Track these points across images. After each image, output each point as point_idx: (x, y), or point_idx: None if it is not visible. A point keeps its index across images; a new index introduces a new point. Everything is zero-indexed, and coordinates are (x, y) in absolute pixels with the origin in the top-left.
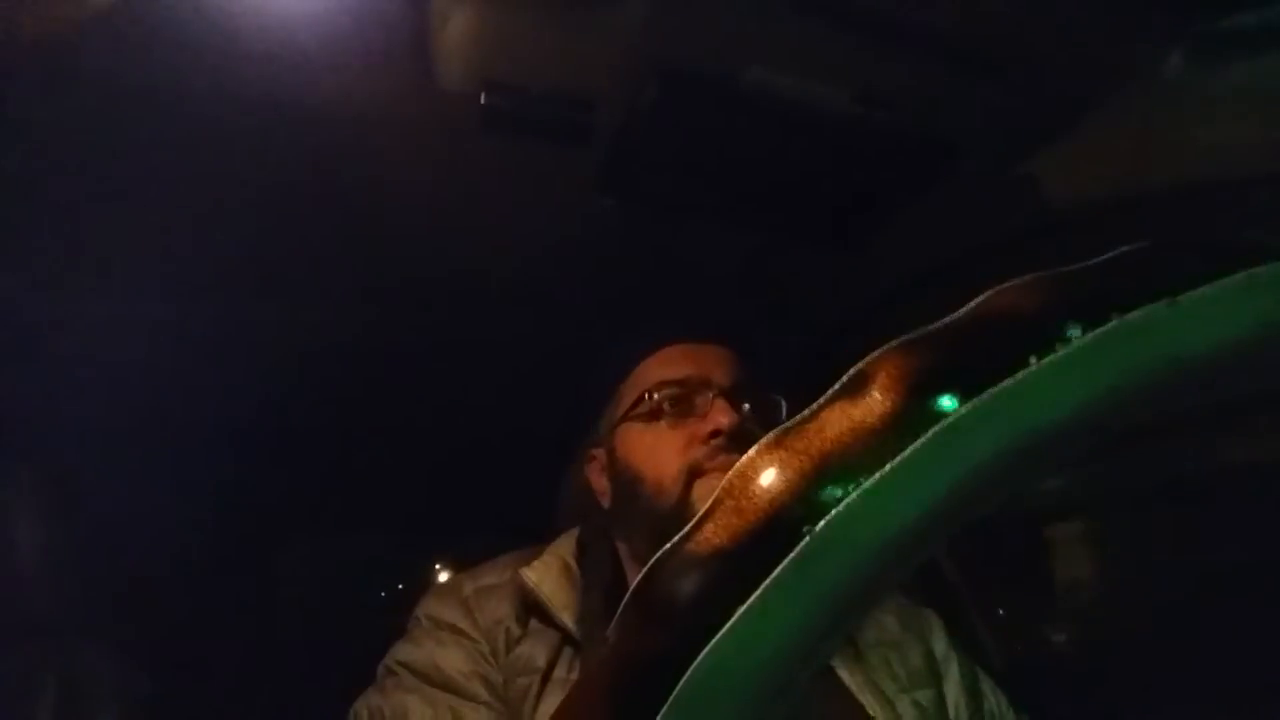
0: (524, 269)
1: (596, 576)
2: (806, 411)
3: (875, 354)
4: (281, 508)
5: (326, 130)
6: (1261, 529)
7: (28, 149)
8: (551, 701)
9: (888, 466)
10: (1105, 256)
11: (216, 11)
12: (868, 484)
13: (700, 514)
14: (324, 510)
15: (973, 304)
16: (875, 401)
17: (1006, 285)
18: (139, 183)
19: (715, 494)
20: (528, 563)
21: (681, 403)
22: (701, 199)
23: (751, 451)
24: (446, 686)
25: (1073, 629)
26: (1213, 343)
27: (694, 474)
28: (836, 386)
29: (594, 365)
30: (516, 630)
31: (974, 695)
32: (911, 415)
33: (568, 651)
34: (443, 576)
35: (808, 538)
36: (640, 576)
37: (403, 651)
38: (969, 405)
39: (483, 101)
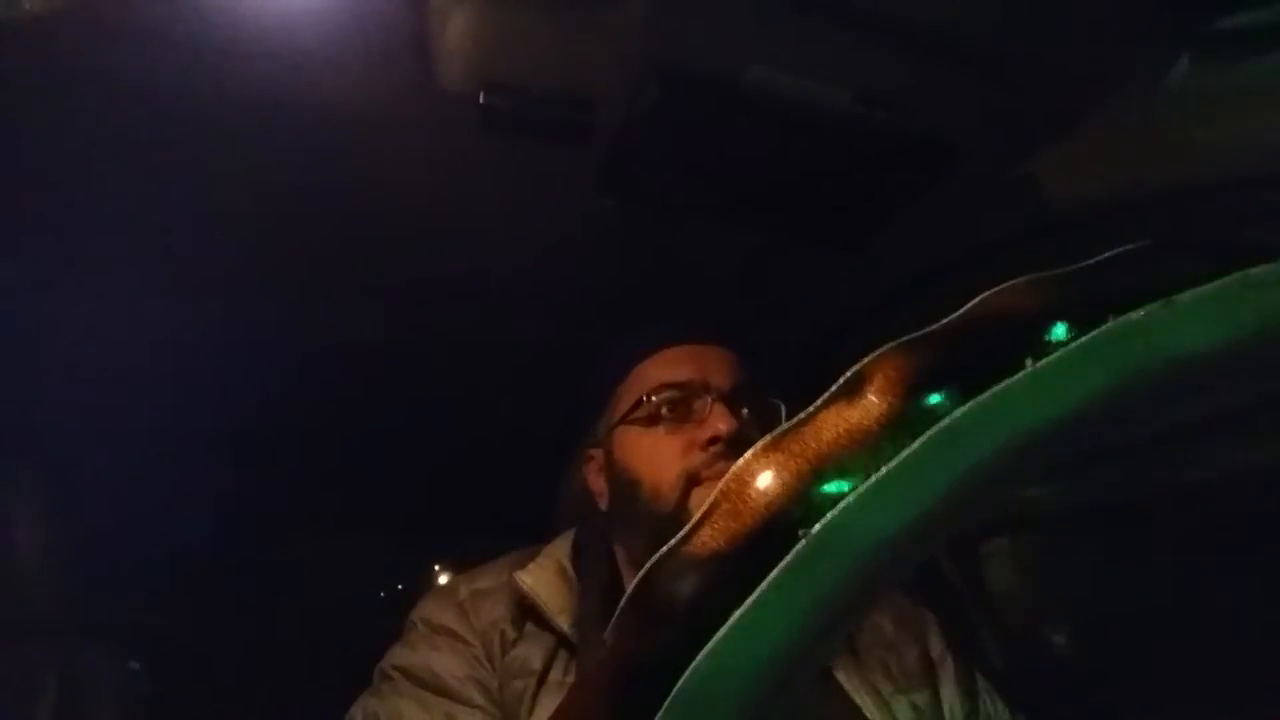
0: (524, 269)
1: (593, 579)
2: (803, 414)
3: (871, 356)
4: (281, 508)
5: (326, 130)
6: (1262, 531)
7: (27, 148)
8: (547, 704)
9: (884, 469)
10: (1101, 257)
11: (216, 11)
12: (864, 486)
13: (698, 517)
14: (324, 510)
15: (969, 305)
16: (872, 404)
17: (1002, 286)
18: (139, 182)
19: (712, 497)
20: (523, 565)
21: (680, 407)
22: (701, 199)
23: (748, 454)
24: (441, 691)
25: (1072, 630)
26: (1210, 343)
27: (692, 482)
28: (833, 389)
29: (593, 365)
30: (512, 633)
31: (970, 697)
32: (908, 417)
33: (563, 654)
34: (443, 578)
35: (804, 540)
36: (638, 579)
37: (398, 656)
38: (965, 407)
39: (482, 101)
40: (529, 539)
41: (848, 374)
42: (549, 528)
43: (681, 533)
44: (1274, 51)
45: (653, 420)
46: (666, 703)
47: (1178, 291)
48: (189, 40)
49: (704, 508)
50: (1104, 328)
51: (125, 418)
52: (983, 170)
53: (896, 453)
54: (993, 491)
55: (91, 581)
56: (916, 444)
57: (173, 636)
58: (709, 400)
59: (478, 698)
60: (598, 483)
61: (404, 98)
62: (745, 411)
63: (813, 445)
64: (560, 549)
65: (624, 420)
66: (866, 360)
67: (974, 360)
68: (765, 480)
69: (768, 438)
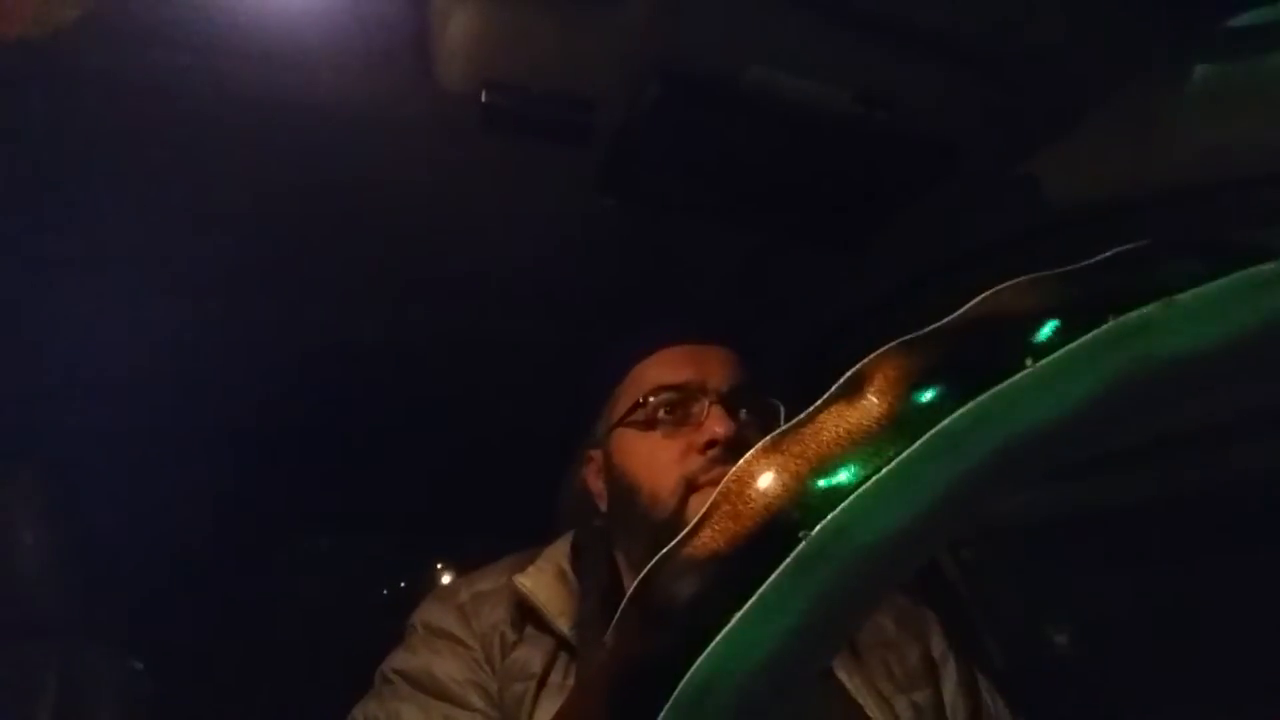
0: (524, 269)
1: (593, 581)
2: (803, 415)
3: (871, 356)
4: (281, 508)
5: (327, 130)
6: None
7: (28, 149)
8: (547, 707)
9: (884, 470)
10: (1101, 256)
11: (217, 11)
12: (864, 488)
13: (698, 518)
14: (325, 511)
15: (968, 305)
16: (871, 404)
17: (1002, 286)
18: (139, 182)
19: (713, 498)
20: (523, 568)
21: (677, 409)
22: (702, 199)
23: (749, 455)
24: (441, 695)
25: (1072, 630)
26: (1210, 343)
27: (690, 488)
28: (833, 389)
29: (592, 365)
30: (512, 636)
31: (972, 696)
32: (908, 418)
33: (563, 657)
34: (445, 578)
35: (804, 542)
36: (638, 580)
37: (398, 659)
38: (965, 408)
39: (483, 101)
40: (530, 539)
41: (847, 374)
42: (550, 528)
43: (682, 534)
44: (1275, 51)
45: (650, 423)
46: (667, 705)
47: (1178, 291)
48: (189, 40)
49: (704, 509)
50: (1104, 328)
51: (125, 418)
52: (983, 170)
53: (897, 454)
54: (993, 493)
55: (91, 581)
56: (916, 445)
57: (173, 636)
58: (706, 403)
59: (477, 701)
60: (597, 484)
61: (404, 97)
62: (744, 413)
63: (813, 446)
64: (560, 551)
65: (622, 423)
66: (866, 360)
67: (974, 361)
68: (765, 481)
69: (768, 439)
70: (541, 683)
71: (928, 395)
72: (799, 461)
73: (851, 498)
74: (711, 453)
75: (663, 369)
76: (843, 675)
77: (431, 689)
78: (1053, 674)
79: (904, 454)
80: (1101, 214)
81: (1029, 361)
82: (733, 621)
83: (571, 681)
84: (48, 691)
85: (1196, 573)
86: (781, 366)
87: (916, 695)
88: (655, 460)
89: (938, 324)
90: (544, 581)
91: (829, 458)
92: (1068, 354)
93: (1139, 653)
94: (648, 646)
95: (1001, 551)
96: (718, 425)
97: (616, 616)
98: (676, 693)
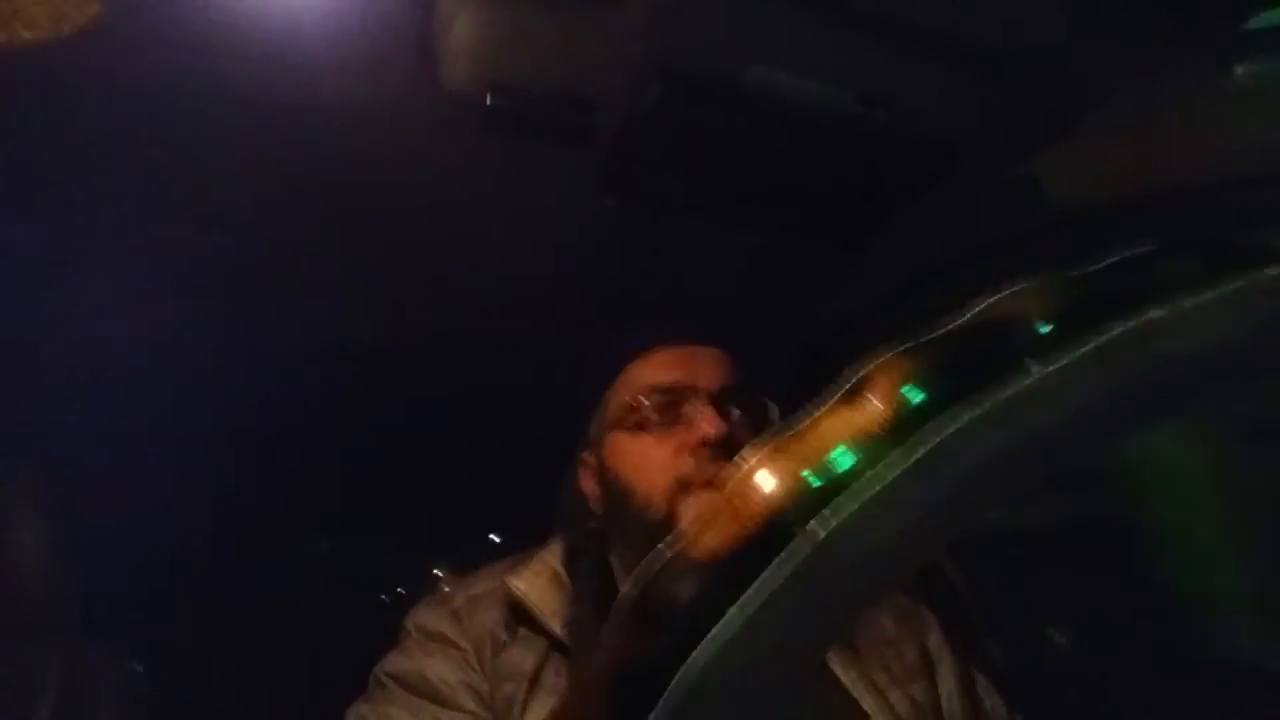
0: (525, 269)
1: (587, 583)
2: (805, 418)
3: (874, 361)
4: (281, 508)
5: (329, 131)
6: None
7: (28, 149)
8: (538, 708)
9: (886, 474)
10: (1103, 260)
11: (218, 12)
12: (865, 492)
13: (698, 519)
14: (324, 511)
15: (970, 310)
16: (874, 409)
17: (1005, 291)
18: (139, 182)
19: (713, 499)
20: (516, 570)
21: (668, 410)
22: (702, 199)
23: (751, 457)
24: (433, 697)
25: (1073, 630)
26: (1212, 347)
27: (682, 489)
28: (835, 393)
29: (584, 366)
30: (504, 637)
31: (969, 693)
32: (910, 422)
33: (555, 657)
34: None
35: (804, 544)
36: (635, 581)
37: (392, 662)
38: (967, 412)
39: (486, 102)
40: (531, 540)
41: (850, 378)
42: (549, 529)
43: (680, 535)
44: (1274, 52)
45: (641, 425)
46: (663, 701)
47: (1181, 295)
48: (190, 41)
49: (705, 510)
50: (1106, 332)
51: (125, 418)
52: (983, 170)
53: (898, 458)
54: (995, 496)
55: (91, 581)
56: (918, 450)
57: (173, 637)
58: (697, 403)
59: (469, 703)
60: (591, 487)
61: (406, 98)
62: (735, 411)
63: (814, 449)
64: (554, 553)
65: (614, 425)
66: (869, 365)
67: (976, 365)
68: (766, 484)
69: (770, 441)
70: (533, 682)
71: (930, 400)
72: (801, 464)
73: (852, 501)
74: (703, 452)
75: (652, 370)
76: (839, 670)
77: (423, 691)
78: (1053, 674)
79: (906, 459)
80: (1101, 214)
81: (1030, 366)
82: (728, 622)
83: (564, 681)
84: (48, 691)
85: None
86: (781, 366)
87: (913, 689)
88: (647, 462)
89: (940, 329)
90: (537, 583)
91: (831, 461)
92: (1069, 360)
93: (1139, 653)
94: (645, 646)
95: (1002, 552)
96: (708, 425)
97: (612, 616)
98: (670, 691)
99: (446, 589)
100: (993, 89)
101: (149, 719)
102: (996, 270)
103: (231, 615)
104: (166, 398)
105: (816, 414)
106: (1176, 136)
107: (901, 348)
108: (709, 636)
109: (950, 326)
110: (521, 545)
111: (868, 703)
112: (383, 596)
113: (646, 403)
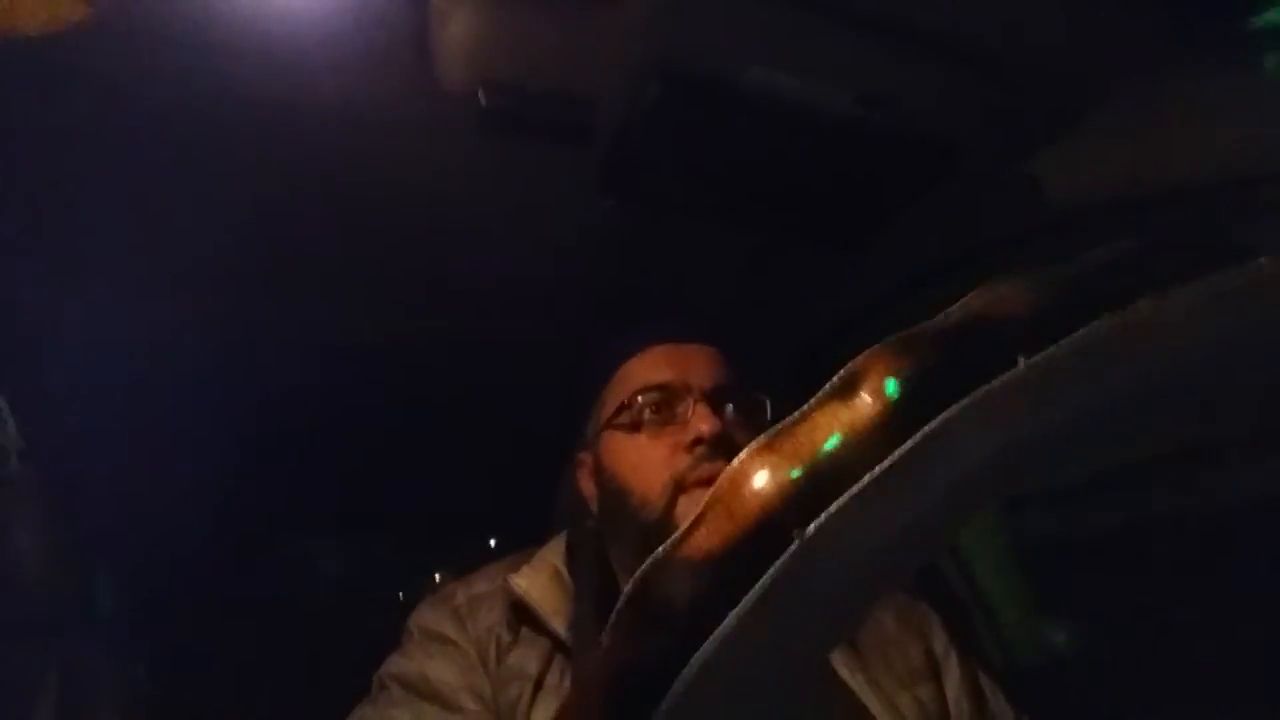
0: (524, 269)
1: (587, 582)
2: (797, 414)
3: (865, 354)
4: (281, 508)
5: (326, 130)
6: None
7: (28, 148)
8: (544, 709)
9: (877, 469)
10: (1093, 254)
11: (217, 11)
12: (858, 488)
13: (693, 519)
14: (325, 511)
15: (961, 303)
16: (865, 404)
17: (996, 284)
18: (139, 182)
19: (707, 498)
20: (518, 569)
21: (663, 409)
22: (702, 199)
23: (743, 454)
24: (435, 699)
25: (1073, 630)
26: (1202, 342)
27: (678, 488)
28: (826, 388)
29: (580, 365)
30: (508, 637)
31: (974, 692)
32: (902, 417)
33: (559, 659)
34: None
35: (797, 543)
36: (633, 582)
37: (394, 664)
38: (959, 407)
39: (483, 101)
40: (529, 540)
41: (841, 373)
42: (550, 529)
43: (676, 535)
44: (1274, 52)
45: (636, 425)
46: (662, 705)
47: (1169, 290)
48: (189, 40)
49: (699, 509)
50: (1095, 325)
51: (125, 418)
52: (983, 170)
53: (890, 454)
54: (988, 492)
55: (91, 581)
56: (909, 445)
57: (173, 636)
58: (691, 401)
59: (470, 704)
60: (588, 487)
61: (404, 98)
62: (730, 409)
63: (806, 446)
64: (554, 552)
65: (609, 425)
66: (859, 359)
67: (966, 360)
68: (759, 482)
69: (762, 438)
70: (538, 684)
71: (920, 394)
72: (792, 461)
73: (845, 499)
74: (698, 451)
75: (646, 369)
76: (844, 672)
77: (425, 693)
78: (1053, 674)
79: (897, 454)
80: (1101, 214)
81: (1021, 361)
82: (727, 624)
83: (568, 683)
84: (48, 691)
85: (1198, 575)
86: (781, 366)
87: (920, 691)
88: (643, 462)
89: (931, 322)
90: (539, 582)
91: (822, 458)
92: (1060, 352)
93: (1139, 653)
94: (644, 648)
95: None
96: (703, 423)
97: (612, 618)
98: (671, 694)
99: (448, 588)
100: (993, 89)
101: (149, 719)
102: (996, 270)
103: (231, 615)
104: (166, 397)
105: (807, 410)
106: (1176, 136)
107: (890, 341)
108: (706, 644)
109: (941, 318)
110: (522, 544)
111: (874, 706)
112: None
113: (640, 402)
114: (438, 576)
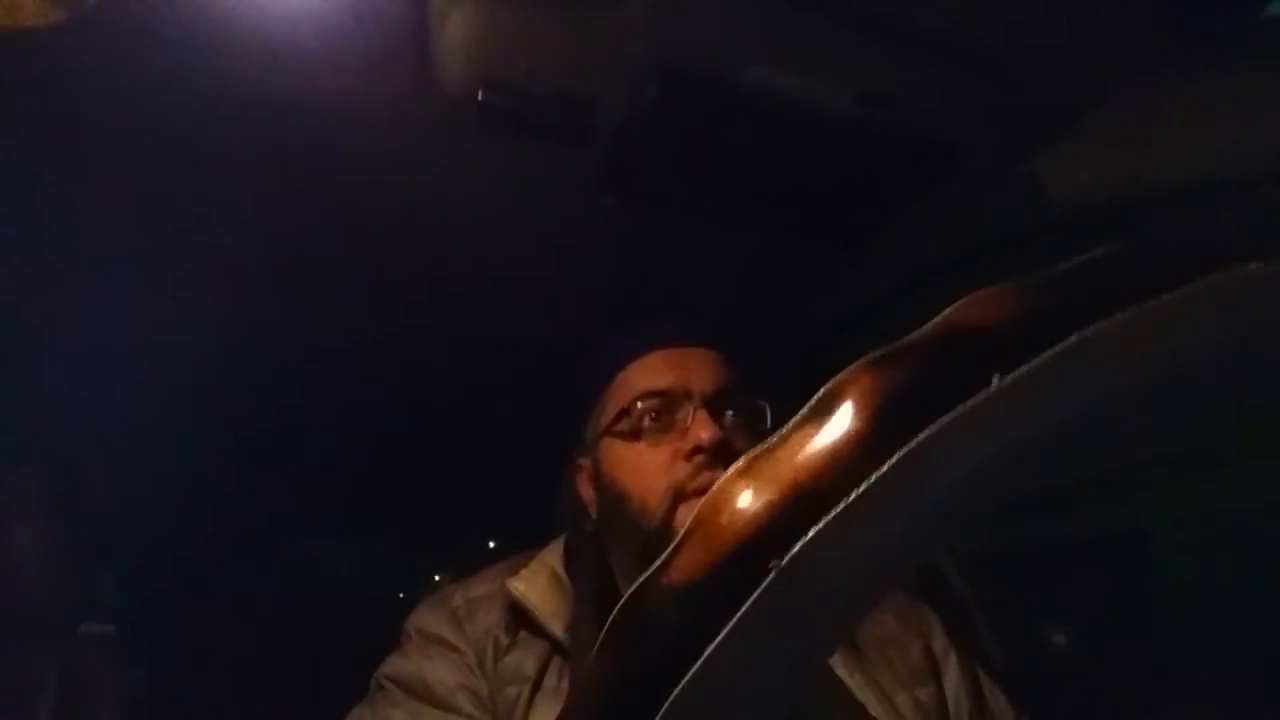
0: (524, 269)
1: (586, 585)
2: (776, 436)
3: (842, 374)
4: (281, 508)
5: (326, 129)
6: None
7: (27, 148)
8: (541, 710)
9: (854, 493)
10: (1071, 262)
11: (217, 10)
12: (836, 511)
13: (674, 544)
14: (325, 511)
15: (939, 318)
16: (842, 424)
17: (973, 296)
18: (139, 182)
19: (690, 521)
20: (516, 572)
21: (662, 416)
22: (702, 199)
23: (722, 479)
24: (432, 701)
25: (1072, 630)
26: (1186, 350)
27: (678, 497)
28: (804, 410)
29: (580, 365)
30: (505, 640)
31: (974, 692)
32: (880, 437)
33: (557, 660)
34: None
35: (774, 571)
36: (622, 602)
37: (392, 665)
38: (936, 425)
39: (482, 101)
40: (529, 541)
41: (819, 393)
42: (550, 530)
43: (660, 559)
44: (1274, 52)
45: (635, 432)
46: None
47: (1153, 296)
48: (189, 40)
49: (680, 534)
50: (1072, 339)
51: (125, 417)
52: (983, 170)
53: (869, 474)
54: (970, 509)
55: (91, 582)
56: (887, 466)
57: (173, 636)
58: (690, 408)
59: (466, 706)
60: (588, 492)
61: (404, 97)
62: (729, 415)
63: (785, 469)
64: (553, 555)
65: (608, 432)
66: (837, 379)
67: (941, 377)
68: (737, 506)
69: (741, 461)
70: (536, 686)
71: (898, 413)
72: (771, 485)
73: (822, 523)
74: (698, 459)
75: (646, 375)
76: (844, 673)
77: (423, 694)
78: (1053, 674)
79: (874, 476)
80: (1101, 214)
81: (996, 377)
82: (711, 649)
83: (565, 685)
84: (48, 691)
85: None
86: (781, 366)
87: (919, 691)
88: (642, 469)
89: (908, 339)
90: (537, 585)
91: (801, 481)
92: (1038, 366)
93: (1139, 653)
94: (633, 667)
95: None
96: (702, 430)
97: (602, 635)
98: (663, 711)
99: (446, 591)
100: (993, 89)
101: (149, 719)
102: (997, 270)
103: (231, 615)
104: (166, 398)
105: (785, 432)
106: (1176, 136)
107: (867, 360)
108: (693, 666)
109: (915, 336)
110: (522, 546)
111: (874, 706)
112: (384, 596)
113: (640, 409)
114: (437, 578)
